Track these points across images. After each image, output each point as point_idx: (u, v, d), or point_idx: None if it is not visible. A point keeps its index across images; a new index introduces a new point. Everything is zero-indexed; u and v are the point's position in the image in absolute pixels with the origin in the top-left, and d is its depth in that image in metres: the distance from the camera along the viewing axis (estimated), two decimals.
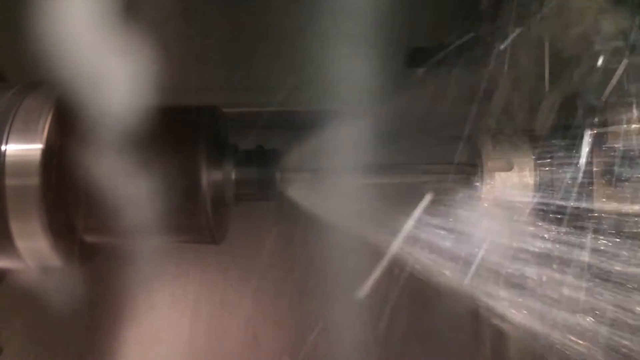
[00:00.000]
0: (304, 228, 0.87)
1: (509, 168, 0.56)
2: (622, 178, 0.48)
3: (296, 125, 0.84)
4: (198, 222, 0.64)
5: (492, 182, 0.57)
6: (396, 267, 0.85)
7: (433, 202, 0.64)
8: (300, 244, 0.89)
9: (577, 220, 0.53)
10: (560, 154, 0.52)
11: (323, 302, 0.89)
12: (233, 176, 0.65)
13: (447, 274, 0.61)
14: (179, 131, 0.65)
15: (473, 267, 0.58)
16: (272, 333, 0.92)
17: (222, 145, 0.67)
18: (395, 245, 0.75)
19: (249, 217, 0.80)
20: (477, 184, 0.59)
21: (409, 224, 0.66)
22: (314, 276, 0.89)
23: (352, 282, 0.86)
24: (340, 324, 0.87)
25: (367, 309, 0.85)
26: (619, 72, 0.46)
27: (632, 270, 0.51)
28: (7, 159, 0.59)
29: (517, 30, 0.53)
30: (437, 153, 0.66)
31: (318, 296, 0.89)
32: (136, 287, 0.86)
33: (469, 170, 0.60)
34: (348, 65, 0.78)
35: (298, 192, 0.67)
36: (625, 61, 0.45)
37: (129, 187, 0.59)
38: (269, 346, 0.92)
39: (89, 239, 0.65)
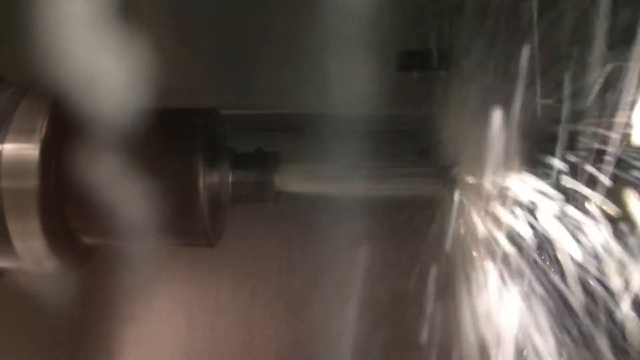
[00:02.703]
0: (301, 231, 0.88)
1: (493, 172, 0.57)
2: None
3: (294, 128, 0.86)
4: (194, 225, 0.65)
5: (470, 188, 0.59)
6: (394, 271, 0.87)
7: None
8: (297, 247, 0.91)
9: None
10: (544, 159, 0.54)
11: (320, 307, 0.89)
12: (230, 179, 0.66)
13: None
14: (176, 133, 0.66)
15: None
16: (268, 338, 0.93)
17: (219, 148, 0.68)
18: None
19: (245, 220, 0.81)
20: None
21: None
22: (311, 280, 0.90)
23: (350, 287, 0.88)
24: (338, 329, 0.88)
25: (366, 313, 0.87)
26: (602, 77, 0.48)
27: None
28: (4, 159, 0.60)
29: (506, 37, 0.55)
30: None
31: (315, 301, 0.90)
32: (131, 289, 0.87)
33: (444, 174, 0.62)
34: (346, 68, 0.80)
35: (295, 194, 0.68)
36: (609, 66, 0.47)
37: (126, 189, 0.60)
38: (264, 351, 0.93)
39: (86, 240, 0.67)
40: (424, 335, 0.69)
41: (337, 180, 0.66)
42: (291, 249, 0.92)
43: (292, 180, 0.67)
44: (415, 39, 0.72)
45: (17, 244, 0.61)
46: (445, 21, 0.66)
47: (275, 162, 0.68)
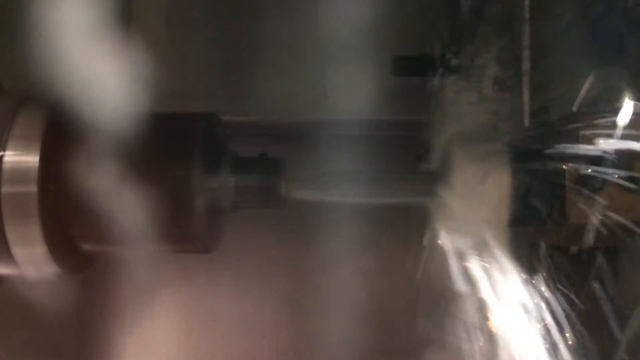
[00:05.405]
0: (303, 237, 0.90)
1: (483, 179, 0.58)
2: (595, 187, 0.52)
3: (293, 134, 0.88)
4: (189, 231, 0.66)
5: (463, 195, 0.60)
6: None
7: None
8: (299, 253, 0.92)
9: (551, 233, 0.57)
10: (537, 163, 0.56)
11: (323, 313, 0.91)
12: (231, 183, 0.67)
13: None
14: (174, 139, 0.68)
15: None
16: (269, 345, 0.94)
17: (219, 153, 0.69)
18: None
19: (248, 226, 0.83)
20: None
21: None
22: (313, 286, 0.91)
23: (351, 294, 0.89)
24: (338, 337, 0.89)
25: (369, 319, 0.88)
26: (590, 80, 0.50)
27: None
28: (4, 165, 0.62)
29: (498, 42, 0.58)
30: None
31: (317, 307, 0.91)
32: (131, 296, 0.88)
33: (433, 179, 0.64)
34: (342, 75, 0.82)
35: (300, 200, 0.69)
36: (593, 68, 0.49)
37: (125, 195, 0.62)
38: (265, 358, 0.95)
39: (85, 247, 0.68)
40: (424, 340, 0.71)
41: (342, 186, 0.68)
42: (293, 256, 0.93)
43: (299, 186, 0.68)
44: (413, 45, 0.74)
45: (16, 250, 0.63)
46: (439, 28, 0.68)
47: (280, 167, 0.69)
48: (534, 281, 0.57)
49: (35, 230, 0.62)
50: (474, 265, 0.60)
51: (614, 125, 0.51)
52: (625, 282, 0.56)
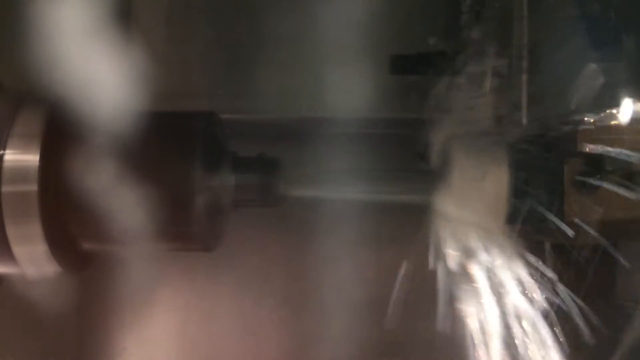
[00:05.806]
0: (303, 236, 0.90)
1: (481, 177, 0.59)
2: (594, 185, 0.53)
3: (292, 132, 0.89)
4: (191, 229, 0.67)
5: (462, 193, 0.61)
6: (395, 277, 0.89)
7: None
8: (299, 251, 0.92)
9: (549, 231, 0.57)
10: (535, 161, 0.57)
11: (321, 313, 0.92)
12: (231, 182, 0.68)
13: None
14: (175, 137, 0.69)
15: None
16: (269, 345, 0.94)
17: (219, 152, 0.70)
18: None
19: (248, 225, 0.83)
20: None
21: None
22: (312, 286, 0.92)
23: (352, 292, 0.90)
24: (338, 335, 0.90)
25: (366, 319, 0.89)
26: (588, 78, 0.50)
27: None
28: (5, 164, 0.62)
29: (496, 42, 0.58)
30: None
31: (315, 306, 0.92)
32: (132, 295, 0.89)
33: (432, 178, 0.64)
34: (341, 73, 0.83)
35: (299, 198, 0.70)
36: (591, 65, 0.50)
37: (125, 194, 0.62)
38: (267, 357, 0.95)
39: (86, 245, 0.69)
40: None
41: (341, 185, 0.69)
42: (294, 254, 0.93)
43: (296, 185, 0.69)
44: (412, 43, 0.75)
45: (17, 249, 0.64)
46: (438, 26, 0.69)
47: (278, 166, 0.70)
48: (532, 280, 0.57)
49: (35, 229, 0.63)
50: (474, 264, 0.60)
51: (612, 123, 0.52)
52: (624, 281, 0.56)
